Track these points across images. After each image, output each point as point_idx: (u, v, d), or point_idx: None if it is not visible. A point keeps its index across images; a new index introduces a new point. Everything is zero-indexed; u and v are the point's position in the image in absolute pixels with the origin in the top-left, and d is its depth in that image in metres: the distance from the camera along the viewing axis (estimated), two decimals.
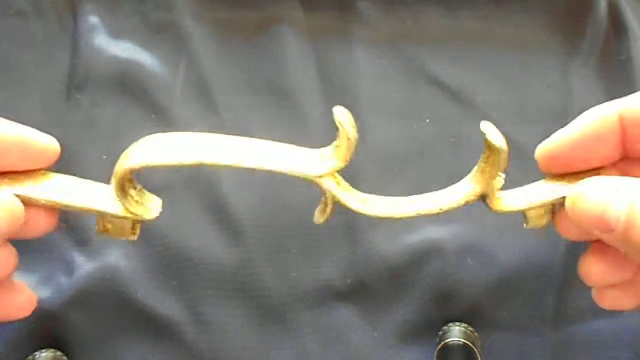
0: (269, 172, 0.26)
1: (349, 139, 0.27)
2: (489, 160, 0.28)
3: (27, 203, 0.23)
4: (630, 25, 0.52)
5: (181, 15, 0.50)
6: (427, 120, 0.50)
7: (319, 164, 0.27)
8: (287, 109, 0.49)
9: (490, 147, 0.27)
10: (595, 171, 0.25)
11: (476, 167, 0.29)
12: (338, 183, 0.28)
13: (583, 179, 0.24)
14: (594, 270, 0.25)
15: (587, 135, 0.23)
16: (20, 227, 0.23)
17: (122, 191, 0.25)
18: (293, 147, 0.29)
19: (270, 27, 0.51)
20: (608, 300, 0.26)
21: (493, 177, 0.27)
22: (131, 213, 0.26)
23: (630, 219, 0.19)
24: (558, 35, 0.53)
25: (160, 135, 0.27)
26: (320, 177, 0.27)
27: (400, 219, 0.28)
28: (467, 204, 0.29)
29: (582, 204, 0.21)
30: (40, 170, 0.25)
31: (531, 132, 0.50)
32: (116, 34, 0.50)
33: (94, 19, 0.50)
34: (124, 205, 0.26)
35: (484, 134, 0.27)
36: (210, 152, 0.27)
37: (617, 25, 0.52)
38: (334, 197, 0.28)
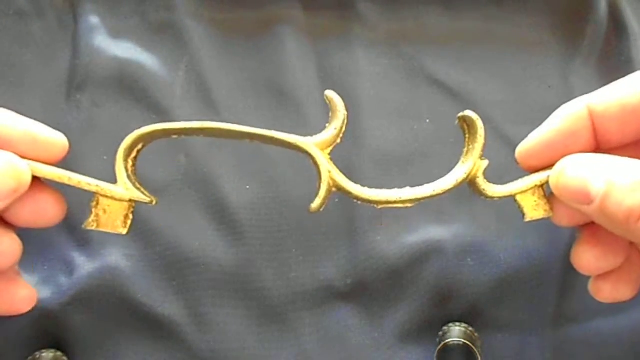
0: (265, 137, 0.27)
1: (338, 110, 0.29)
2: (470, 138, 0.30)
3: (33, 174, 0.24)
4: (630, 25, 0.52)
5: (181, 15, 0.50)
6: (427, 120, 0.50)
7: (313, 137, 0.29)
8: (287, 109, 0.49)
9: (467, 124, 0.30)
10: None
11: (463, 152, 0.31)
12: (329, 160, 0.30)
13: None
14: (586, 256, 0.27)
15: (560, 132, 0.25)
16: (29, 214, 0.23)
17: (125, 169, 0.26)
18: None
19: (270, 27, 0.51)
20: (605, 292, 0.27)
21: (478, 154, 0.30)
22: (132, 192, 0.27)
23: (608, 190, 0.20)
24: (558, 35, 0.53)
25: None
26: (315, 144, 0.29)
27: (396, 205, 0.29)
28: (457, 184, 0.31)
29: (564, 179, 0.23)
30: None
31: (531, 132, 0.50)
32: (116, 34, 0.50)
33: (94, 19, 0.50)
34: (125, 184, 0.26)
35: (457, 118, 0.29)
36: (209, 123, 0.28)
37: (617, 25, 0.52)
38: (329, 175, 0.28)
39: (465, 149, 0.31)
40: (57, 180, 0.26)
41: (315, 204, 0.29)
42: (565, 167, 0.22)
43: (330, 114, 0.29)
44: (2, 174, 0.21)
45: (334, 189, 0.29)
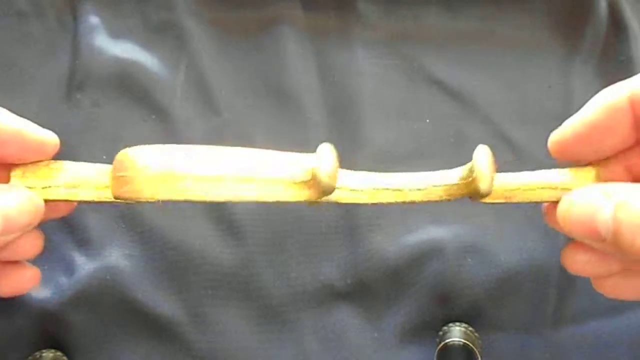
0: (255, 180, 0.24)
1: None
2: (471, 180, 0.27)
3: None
4: (630, 25, 0.52)
5: (181, 15, 0.50)
6: (427, 120, 0.50)
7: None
8: (287, 108, 0.49)
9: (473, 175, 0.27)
10: (605, 161, 0.24)
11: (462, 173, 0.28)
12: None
13: (589, 171, 0.23)
14: (578, 259, 0.23)
15: (596, 127, 0.21)
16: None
17: None
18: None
19: (270, 27, 0.51)
20: (607, 288, 0.24)
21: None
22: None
23: (617, 224, 0.18)
24: (558, 35, 0.53)
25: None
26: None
27: (385, 194, 0.27)
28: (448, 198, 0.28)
29: (571, 214, 0.20)
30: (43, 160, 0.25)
31: (531, 132, 0.50)
32: (116, 34, 0.50)
33: (94, 19, 0.50)
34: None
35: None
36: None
37: (617, 25, 0.52)
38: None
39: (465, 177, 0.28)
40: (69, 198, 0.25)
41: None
42: (572, 202, 0.20)
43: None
44: (21, 209, 0.21)
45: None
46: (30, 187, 0.23)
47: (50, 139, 0.23)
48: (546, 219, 0.26)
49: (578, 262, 0.23)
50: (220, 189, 0.23)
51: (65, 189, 0.25)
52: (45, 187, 0.25)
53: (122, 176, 0.23)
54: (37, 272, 0.26)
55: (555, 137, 0.24)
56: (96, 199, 0.25)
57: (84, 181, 0.25)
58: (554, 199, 0.24)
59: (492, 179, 0.24)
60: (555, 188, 0.24)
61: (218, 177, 0.23)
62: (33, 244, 0.25)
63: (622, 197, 0.18)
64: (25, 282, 0.25)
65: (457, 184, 0.27)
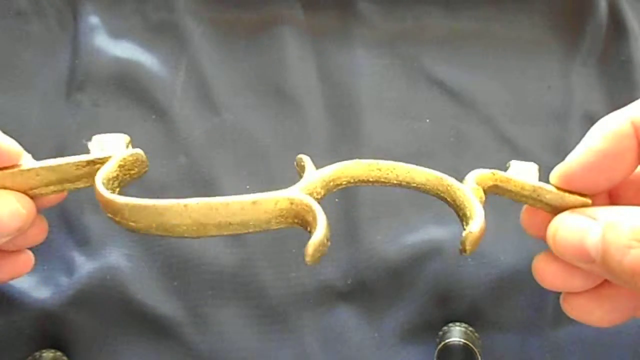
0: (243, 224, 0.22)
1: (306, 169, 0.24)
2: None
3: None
4: (630, 25, 0.52)
5: (181, 15, 0.50)
6: (427, 120, 0.50)
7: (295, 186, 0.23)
8: (287, 108, 0.49)
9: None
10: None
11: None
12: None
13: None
14: (548, 270, 0.23)
15: (603, 155, 0.21)
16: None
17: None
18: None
19: (270, 27, 0.51)
20: (574, 307, 0.24)
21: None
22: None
23: (606, 245, 0.18)
24: (558, 35, 0.53)
25: None
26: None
27: None
28: None
29: (560, 236, 0.20)
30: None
31: (531, 132, 0.50)
32: (116, 34, 0.50)
33: (94, 19, 0.50)
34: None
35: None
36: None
37: (617, 25, 0.52)
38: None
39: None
40: (60, 192, 0.25)
41: (313, 256, 0.22)
42: (561, 224, 0.20)
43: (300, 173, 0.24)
44: (9, 217, 0.22)
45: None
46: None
47: (12, 148, 0.23)
48: (524, 223, 0.25)
49: (549, 274, 0.23)
50: (208, 228, 0.22)
51: (48, 188, 0.25)
52: (32, 189, 0.24)
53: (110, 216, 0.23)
54: (30, 257, 0.26)
55: (561, 170, 0.23)
56: (83, 186, 0.25)
57: (67, 176, 0.24)
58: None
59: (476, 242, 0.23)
60: (546, 203, 0.24)
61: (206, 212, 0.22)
62: (37, 233, 0.25)
63: (610, 218, 0.18)
64: (19, 267, 0.25)
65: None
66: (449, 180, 0.25)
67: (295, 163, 0.25)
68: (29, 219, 0.22)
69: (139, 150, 0.24)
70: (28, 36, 0.49)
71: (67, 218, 0.45)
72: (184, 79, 0.49)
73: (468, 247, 0.21)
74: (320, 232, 0.20)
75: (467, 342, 0.44)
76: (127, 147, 0.25)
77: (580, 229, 0.19)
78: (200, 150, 0.47)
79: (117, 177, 0.24)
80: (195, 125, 0.48)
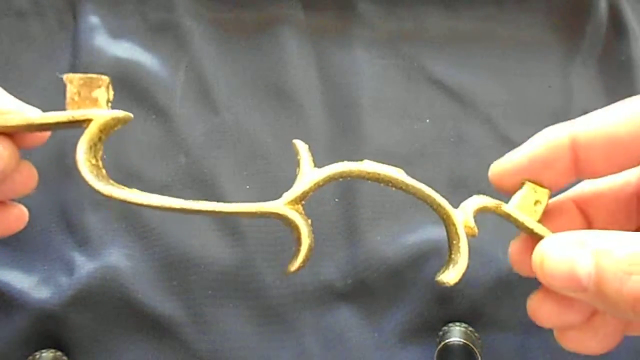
0: (230, 213, 0.23)
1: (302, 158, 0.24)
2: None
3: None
4: (630, 25, 0.52)
5: (181, 15, 0.50)
6: (427, 120, 0.50)
7: (282, 198, 0.24)
8: (287, 108, 0.49)
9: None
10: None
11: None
12: (303, 216, 0.24)
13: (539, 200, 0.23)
14: (543, 309, 0.23)
15: (536, 160, 0.22)
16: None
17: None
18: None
19: (270, 27, 0.51)
20: (568, 342, 0.24)
21: None
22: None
23: (600, 272, 0.17)
24: (558, 35, 0.53)
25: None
26: (286, 204, 0.23)
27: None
28: None
29: (548, 266, 0.19)
30: None
31: (531, 132, 0.50)
32: (116, 34, 0.50)
33: (94, 19, 0.50)
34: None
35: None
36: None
37: (617, 25, 0.52)
38: (309, 237, 0.24)
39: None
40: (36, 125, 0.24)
41: (295, 266, 0.24)
42: (547, 252, 0.19)
43: (298, 165, 0.24)
44: None
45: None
46: None
47: None
48: (512, 262, 0.25)
49: (544, 313, 0.23)
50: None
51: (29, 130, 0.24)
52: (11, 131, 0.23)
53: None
54: (23, 212, 0.25)
55: (496, 167, 0.24)
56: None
57: (48, 127, 0.24)
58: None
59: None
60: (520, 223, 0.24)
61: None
62: (25, 180, 0.24)
63: (602, 245, 0.17)
64: (12, 222, 0.24)
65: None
66: (447, 209, 0.25)
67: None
68: (12, 161, 0.22)
69: (118, 113, 0.24)
70: (28, 36, 0.49)
71: (67, 218, 0.45)
72: (184, 79, 0.49)
73: (441, 283, 0.22)
74: (302, 253, 0.22)
75: (467, 342, 0.44)
76: (108, 100, 0.25)
77: (568, 256, 0.18)
78: (200, 150, 0.47)
79: (99, 139, 0.24)
80: (195, 125, 0.48)
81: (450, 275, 0.22)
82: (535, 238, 0.24)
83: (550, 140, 0.22)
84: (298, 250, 0.23)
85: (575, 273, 0.18)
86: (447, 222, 0.25)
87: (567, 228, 0.21)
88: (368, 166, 0.24)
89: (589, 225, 0.23)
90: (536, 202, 0.24)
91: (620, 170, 0.21)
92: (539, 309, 0.23)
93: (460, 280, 0.21)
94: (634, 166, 0.20)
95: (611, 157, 0.20)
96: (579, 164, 0.21)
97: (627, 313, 0.17)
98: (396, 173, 0.25)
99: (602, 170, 0.21)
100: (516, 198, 0.24)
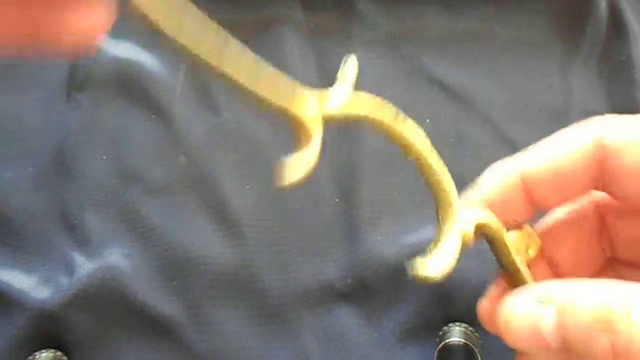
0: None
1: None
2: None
3: None
4: (630, 25, 0.52)
5: None
6: (427, 120, 0.50)
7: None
8: None
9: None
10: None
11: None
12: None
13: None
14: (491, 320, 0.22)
15: (492, 202, 0.21)
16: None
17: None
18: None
19: (270, 27, 0.51)
20: None
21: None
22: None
23: (563, 330, 0.16)
24: (558, 35, 0.53)
25: None
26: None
27: None
28: None
29: (512, 327, 0.18)
30: None
31: (531, 132, 0.50)
32: (116, 34, 0.50)
33: None
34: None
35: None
36: None
37: (617, 25, 0.52)
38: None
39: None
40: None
41: (294, 175, 0.18)
42: (510, 316, 0.18)
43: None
44: None
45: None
46: None
47: None
48: (485, 324, 0.23)
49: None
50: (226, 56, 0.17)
51: None
52: None
53: None
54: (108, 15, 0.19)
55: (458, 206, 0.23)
56: None
57: None
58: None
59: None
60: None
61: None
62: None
63: (562, 299, 0.16)
64: (95, 23, 0.19)
65: None
66: (452, 197, 0.22)
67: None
68: None
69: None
70: None
71: (67, 218, 0.45)
72: (184, 79, 0.49)
73: (413, 274, 0.18)
74: (306, 160, 0.16)
75: (467, 342, 0.44)
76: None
77: (530, 317, 0.17)
78: (200, 150, 0.47)
79: None
80: (195, 125, 0.48)
81: (432, 267, 0.18)
82: (512, 283, 0.22)
83: (501, 182, 0.21)
84: (300, 157, 0.16)
85: (540, 333, 0.17)
86: (439, 195, 0.21)
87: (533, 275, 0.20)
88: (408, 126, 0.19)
89: (555, 269, 0.22)
90: (527, 247, 0.22)
91: (572, 199, 0.21)
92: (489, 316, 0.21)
93: (441, 276, 0.18)
94: (583, 194, 0.20)
95: (561, 189, 0.20)
96: (533, 199, 0.21)
97: None
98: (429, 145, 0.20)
99: (555, 203, 0.21)
100: (512, 234, 0.22)
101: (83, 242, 0.45)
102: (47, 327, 0.43)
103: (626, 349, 0.15)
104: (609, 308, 0.15)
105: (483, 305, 0.21)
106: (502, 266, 0.22)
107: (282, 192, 0.47)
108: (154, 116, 0.48)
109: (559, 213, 0.21)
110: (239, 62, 0.17)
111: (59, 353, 0.43)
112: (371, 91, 0.50)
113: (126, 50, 0.49)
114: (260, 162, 0.48)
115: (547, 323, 0.17)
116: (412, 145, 0.19)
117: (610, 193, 0.20)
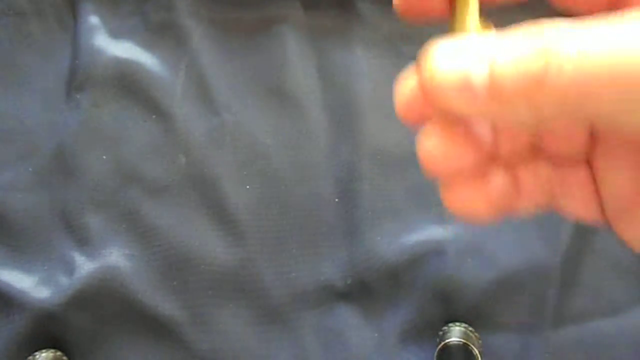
0: None
1: None
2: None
3: None
4: None
5: (181, 15, 0.50)
6: None
7: None
8: (287, 108, 0.49)
9: None
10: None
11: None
12: None
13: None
14: (431, 144, 0.19)
15: None
16: None
17: None
18: None
19: (271, 27, 0.51)
20: (455, 200, 0.20)
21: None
22: None
23: (494, 75, 0.14)
24: None
25: None
26: None
27: None
28: None
29: (439, 77, 0.15)
30: None
31: None
32: (116, 34, 0.50)
33: (94, 19, 0.49)
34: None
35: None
36: None
37: None
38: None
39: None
40: None
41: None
42: (436, 59, 0.15)
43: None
44: None
45: None
46: None
47: None
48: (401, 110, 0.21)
49: (432, 150, 0.19)
50: None
51: None
52: None
53: None
54: None
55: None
56: None
57: None
58: None
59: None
60: None
61: None
62: None
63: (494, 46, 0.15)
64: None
65: None
66: None
67: None
68: None
69: None
70: (28, 36, 0.49)
71: (67, 218, 0.45)
72: (184, 79, 0.49)
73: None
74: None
75: (467, 342, 0.44)
76: None
77: (462, 59, 0.14)
78: (200, 150, 0.47)
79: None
80: (195, 125, 0.48)
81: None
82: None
83: None
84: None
85: (469, 79, 0.15)
86: None
87: None
88: None
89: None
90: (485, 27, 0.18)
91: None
92: (429, 144, 0.18)
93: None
94: None
95: None
96: None
97: (520, 110, 0.14)
98: None
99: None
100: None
101: (83, 242, 0.45)
102: (47, 327, 0.43)
103: (558, 75, 0.13)
104: (540, 46, 0.13)
105: (405, 83, 0.17)
106: (452, 29, 0.18)
107: (282, 192, 0.47)
108: (154, 116, 0.48)
109: None
110: None
111: (59, 353, 0.43)
112: (371, 91, 0.50)
113: (126, 50, 0.49)
114: (260, 162, 0.48)
115: (478, 69, 0.14)
116: None
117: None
